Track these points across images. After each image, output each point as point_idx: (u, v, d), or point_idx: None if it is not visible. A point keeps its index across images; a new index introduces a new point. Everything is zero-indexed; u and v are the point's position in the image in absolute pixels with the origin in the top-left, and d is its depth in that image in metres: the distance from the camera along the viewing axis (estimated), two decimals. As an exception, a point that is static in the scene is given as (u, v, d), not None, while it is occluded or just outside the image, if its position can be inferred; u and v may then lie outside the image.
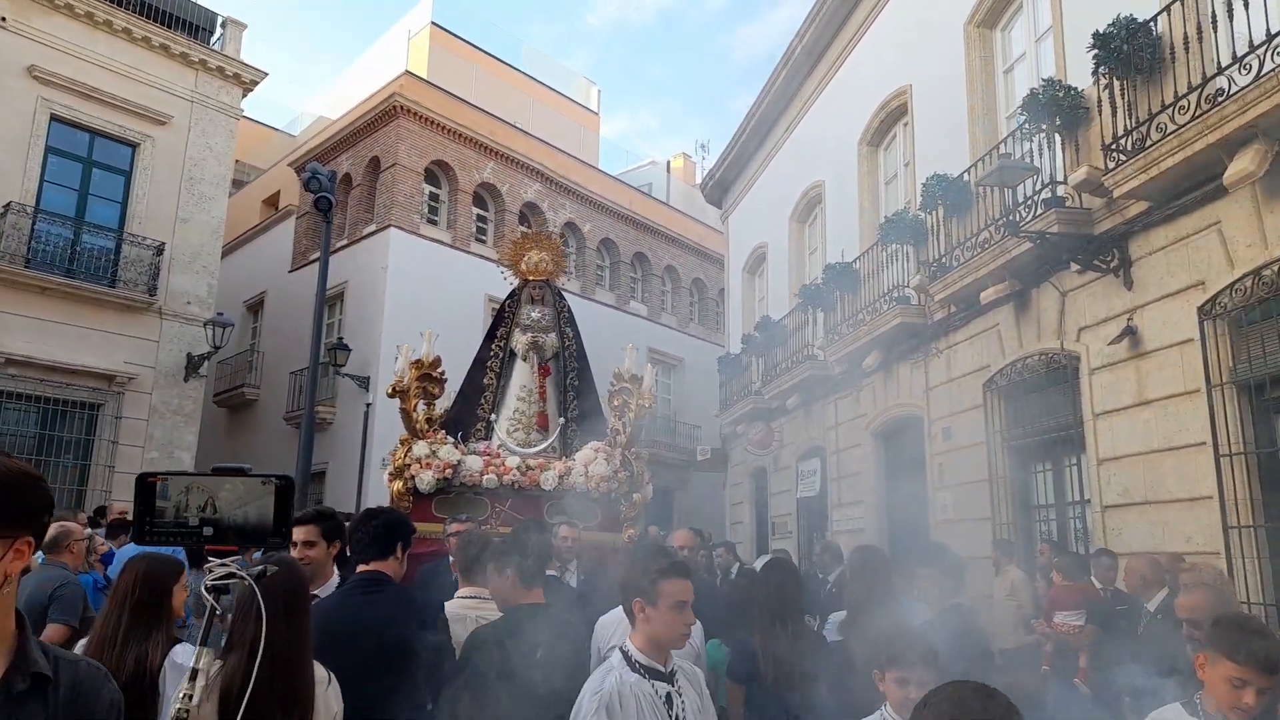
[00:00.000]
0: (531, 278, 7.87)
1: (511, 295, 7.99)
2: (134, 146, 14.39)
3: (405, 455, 6.77)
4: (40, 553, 5.74)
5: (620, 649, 2.67)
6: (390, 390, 7.02)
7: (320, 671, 2.46)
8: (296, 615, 2.38)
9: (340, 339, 16.97)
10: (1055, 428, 8.01)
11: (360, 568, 3.37)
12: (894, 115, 11.90)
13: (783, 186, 15.57)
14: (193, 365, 14.57)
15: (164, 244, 14.32)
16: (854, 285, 11.66)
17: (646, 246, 24.10)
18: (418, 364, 7.04)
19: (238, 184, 23.05)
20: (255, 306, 21.32)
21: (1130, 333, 6.93)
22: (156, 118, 14.52)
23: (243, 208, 22.42)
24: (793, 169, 15.20)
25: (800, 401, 13.68)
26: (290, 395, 18.34)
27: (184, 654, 2.77)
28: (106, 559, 6.90)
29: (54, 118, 13.56)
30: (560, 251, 8.37)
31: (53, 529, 6.08)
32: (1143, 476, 6.79)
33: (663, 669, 2.66)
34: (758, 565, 7.84)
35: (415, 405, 6.98)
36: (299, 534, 3.60)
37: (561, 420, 7.46)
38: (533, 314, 7.74)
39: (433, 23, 23.30)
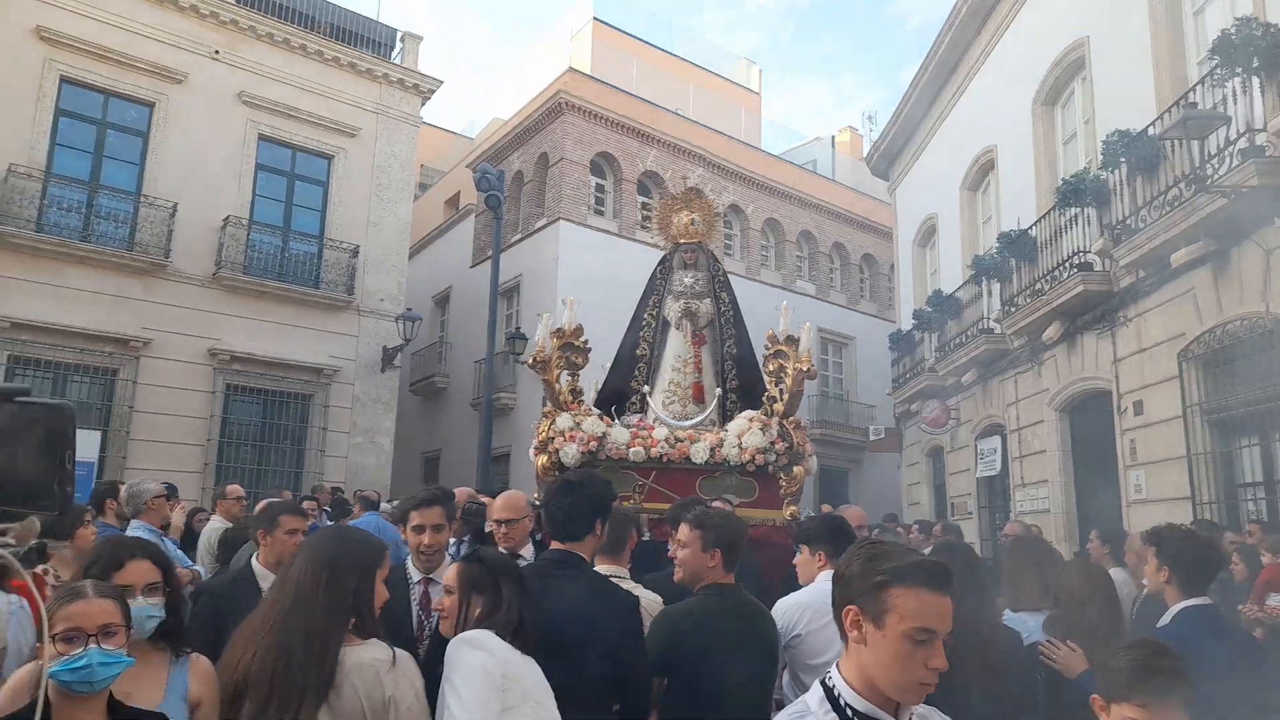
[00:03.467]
0: (682, 241, 7.38)
1: (663, 261, 7.54)
2: (329, 159, 15.71)
3: (549, 428, 6.38)
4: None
5: (823, 682, 1.71)
6: (531, 361, 6.54)
7: (380, 652, 2.28)
8: (331, 590, 2.27)
9: (518, 328, 17.81)
10: (1263, 398, 7.32)
11: (553, 545, 3.06)
12: (1071, 70, 11.15)
13: (952, 154, 14.93)
14: (387, 357, 15.79)
15: (358, 247, 15.58)
16: (1031, 254, 11.06)
17: (812, 224, 23.71)
18: (559, 333, 6.60)
19: (422, 187, 24.64)
20: (442, 301, 22.73)
21: (1348, 291, 6.25)
22: (348, 131, 15.78)
23: (427, 209, 23.92)
24: (962, 135, 14.54)
25: (977, 377, 13.14)
26: (475, 383, 19.46)
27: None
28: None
29: (261, 137, 15.02)
30: (712, 211, 7.76)
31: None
32: (1366, 450, 6.12)
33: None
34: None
35: (558, 376, 6.54)
36: (425, 517, 3.39)
37: (719, 391, 7.01)
38: (685, 279, 7.24)
39: (595, 18, 23.90)
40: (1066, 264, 10.01)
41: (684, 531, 3.20)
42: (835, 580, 1.75)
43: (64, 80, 13.20)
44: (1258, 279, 7.27)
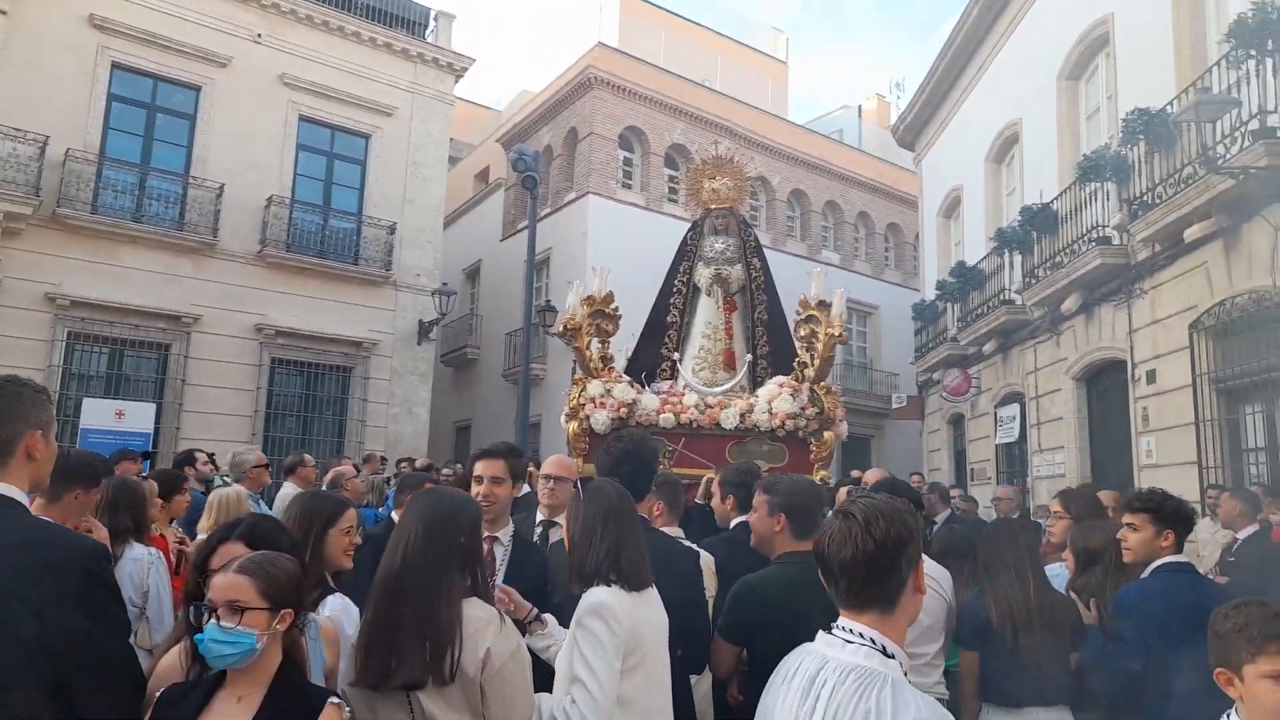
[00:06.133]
0: (713, 206, 7.31)
1: (694, 227, 7.53)
2: (367, 138, 16.17)
3: (579, 395, 6.43)
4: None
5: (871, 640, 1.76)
6: (561, 328, 6.56)
7: (482, 611, 2.27)
8: (433, 547, 2.26)
9: (548, 301, 18.28)
10: (1268, 368, 7.66)
11: None
12: (1095, 46, 11.35)
13: (977, 126, 15.13)
14: (424, 331, 16.36)
15: (395, 223, 16.07)
16: (1052, 226, 11.35)
17: (838, 194, 23.91)
18: (589, 300, 6.58)
19: (452, 161, 25.03)
20: (472, 274, 23.25)
21: (1350, 267, 6.56)
22: (384, 110, 16.21)
23: (457, 182, 24.34)
24: (988, 108, 14.73)
25: (998, 347, 13.48)
26: (507, 354, 20.03)
27: (341, 607, 2.61)
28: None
29: (302, 118, 15.48)
30: (743, 176, 7.64)
31: (330, 474, 7.40)
32: (1363, 418, 6.47)
33: None
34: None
35: (588, 343, 6.56)
36: (486, 469, 3.28)
37: (749, 357, 7.00)
38: (716, 245, 7.20)
39: (621, -11, 24.07)
40: (1086, 237, 10.31)
41: (756, 496, 3.30)
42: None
43: (115, 66, 13.72)
44: (1266, 254, 7.57)
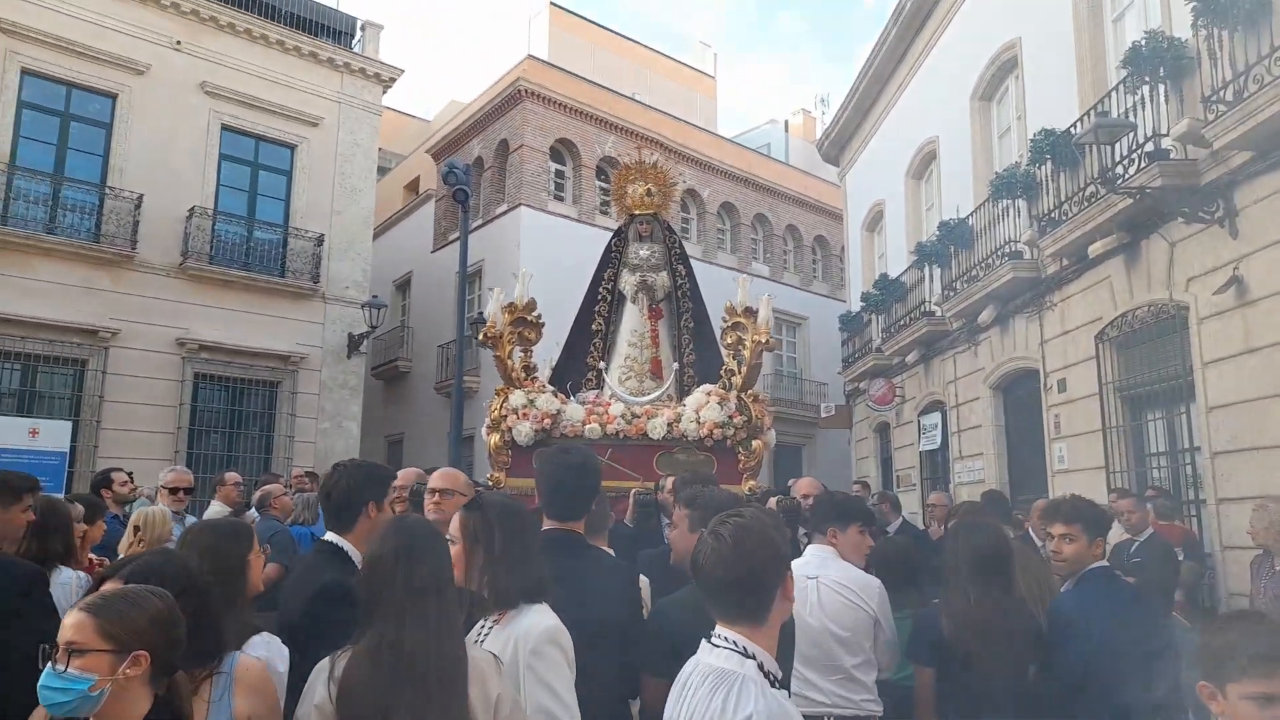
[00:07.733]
0: (638, 212, 7.20)
1: (618, 233, 7.40)
2: (292, 148, 15.92)
3: (501, 406, 6.21)
4: (255, 510, 6.92)
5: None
6: (482, 337, 6.35)
7: (482, 652, 2.14)
8: (438, 585, 2.08)
9: (480, 313, 18.20)
10: (1166, 377, 8.10)
11: (547, 525, 2.88)
12: (1005, 68, 11.84)
13: (898, 143, 15.62)
14: (354, 344, 16.14)
15: (323, 235, 15.86)
16: (968, 241, 11.78)
17: (767, 207, 24.37)
18: (510, 308, 6.41)
19: (381, 170, 24.73)
20: (403, 285, 23.01)
21: (1236, 281, 7.00)
22: (310, 120, 15.99)
23: (386, 193, 24.08)
24: (907, 125, 15.22)
25: (920, 357, 13.91)
26: (439, 367, 19.86)
27: (264, 647, 2.31)
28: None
29: (224, 127, 15.18)
30: (668, 181, 7.49)
31: (258, 492, 7.29)
32: (1250, 422, 6.90)
33: None
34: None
35: (510, 352, 6.36)
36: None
37: (676, 366, 6.92)
38: (641, 252, 7.08)
39: (551, 3, 24.17)
40: (999, 252, 10.74)
41: (676, 511, 3.18)
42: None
43: (25, 72, 13.27)
44: (1162, 269, 8.03)
